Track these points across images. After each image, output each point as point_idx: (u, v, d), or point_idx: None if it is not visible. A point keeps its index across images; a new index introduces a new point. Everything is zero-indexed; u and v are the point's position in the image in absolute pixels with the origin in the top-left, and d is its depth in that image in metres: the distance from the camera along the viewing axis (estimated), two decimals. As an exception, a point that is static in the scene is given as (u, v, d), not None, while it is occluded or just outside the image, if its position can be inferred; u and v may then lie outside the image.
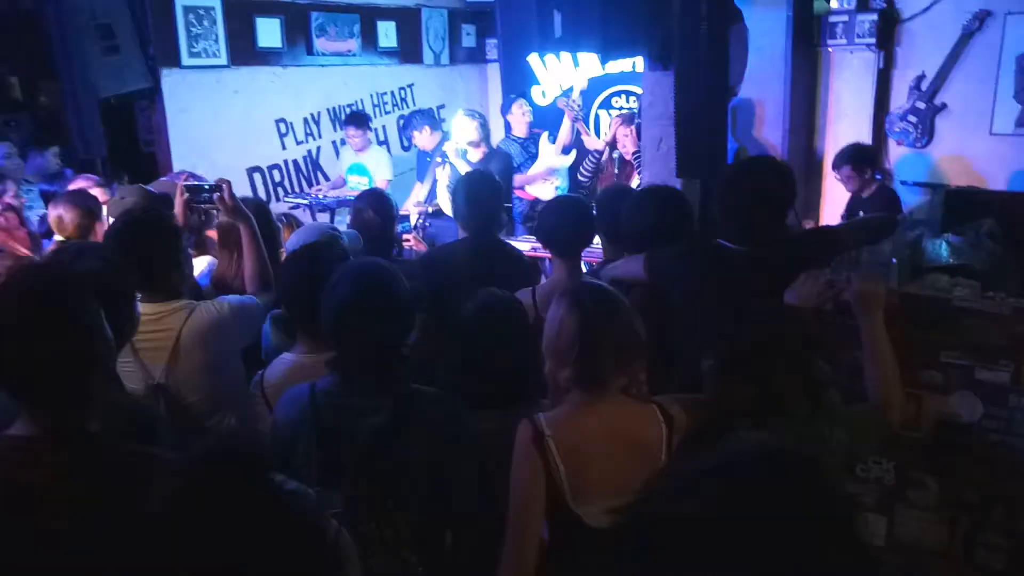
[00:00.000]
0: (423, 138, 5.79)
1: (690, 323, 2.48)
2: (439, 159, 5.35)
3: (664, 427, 1.89)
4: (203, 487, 1.03)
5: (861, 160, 4.80)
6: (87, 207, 3.56)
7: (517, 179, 5.74)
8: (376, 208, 3.28)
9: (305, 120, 6.50)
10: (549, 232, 2.94)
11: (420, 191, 5.53)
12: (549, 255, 3.21)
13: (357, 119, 6.11)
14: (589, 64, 6.41)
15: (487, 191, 3.19)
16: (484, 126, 5.32)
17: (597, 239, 3.21)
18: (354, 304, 1.87)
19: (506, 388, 2.15)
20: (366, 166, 6.03)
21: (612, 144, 5.45)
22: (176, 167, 5.33)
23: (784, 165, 2.64)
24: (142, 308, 2.43)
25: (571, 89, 6.42)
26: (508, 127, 6.11)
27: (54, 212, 3.56)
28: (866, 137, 5.41)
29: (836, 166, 4.92)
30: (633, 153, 5.17)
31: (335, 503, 1.75)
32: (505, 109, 6.12)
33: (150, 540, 1.05)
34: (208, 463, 1.05)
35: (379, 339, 1.88)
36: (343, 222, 4.77)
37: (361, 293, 1.88)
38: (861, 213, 4.72)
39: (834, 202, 5.62)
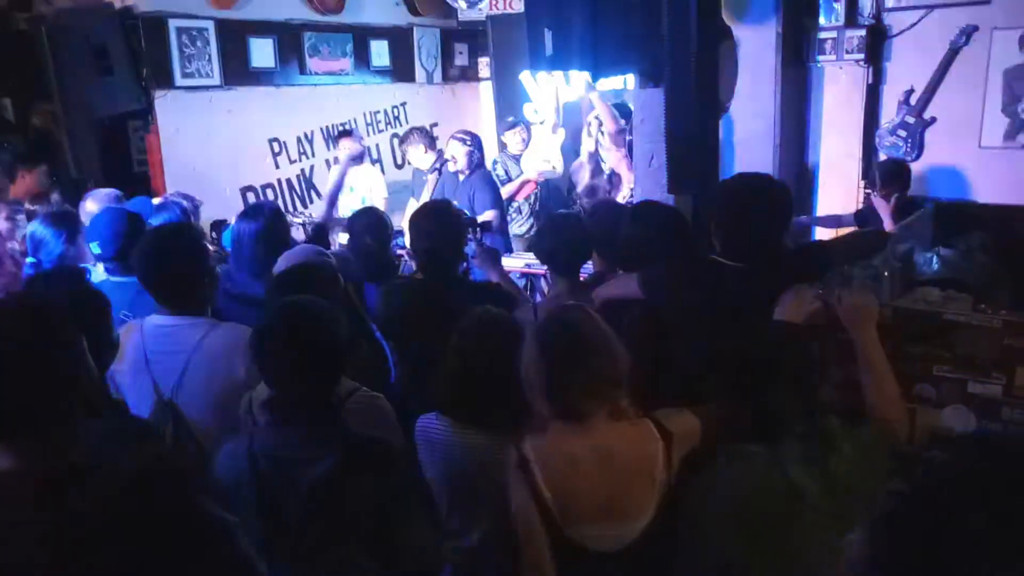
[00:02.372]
0: (416, 155, 5.80)
1: (686, 340, 2.48)
2: (431, 176, 5.36)
3: (661, 443, 1.86)
4: (129, 494, 1.05)
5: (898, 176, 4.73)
6: (68, 227, 3.39)
7: (510, 187, 5.79)
8: (372, 231, 3.27)
9: (298, 139, 6.51)
10: (548, 251, 2.95)
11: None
12: (545, 272, 3.21)
13: (349, 134, 6.17)
14: (580, 81, 6.45)
15: (441, 226, 2.97)
16: (473, 152, 5.30)
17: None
18: (280, 345, 1.82)
19: (504, 407, 2.15)
20: (356, 186, 6.04)
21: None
22: (170, 187, 5.32)
23: (780, 182, 2.66)
24: (158, 319, 2.45)
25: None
26: (503, 144, 6.15)
27: (32, 232, 3.39)
28: (856, 151, 5.44)
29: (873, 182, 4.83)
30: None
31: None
32: (500, 132, 6.18)
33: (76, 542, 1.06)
34: (138, 473, 1.07)
35: (307, 380, 1.83)
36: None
37: (287, 334, 1.83)
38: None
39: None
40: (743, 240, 2.43)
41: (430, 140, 5.94)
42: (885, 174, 4.75)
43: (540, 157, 6.05)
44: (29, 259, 3.37)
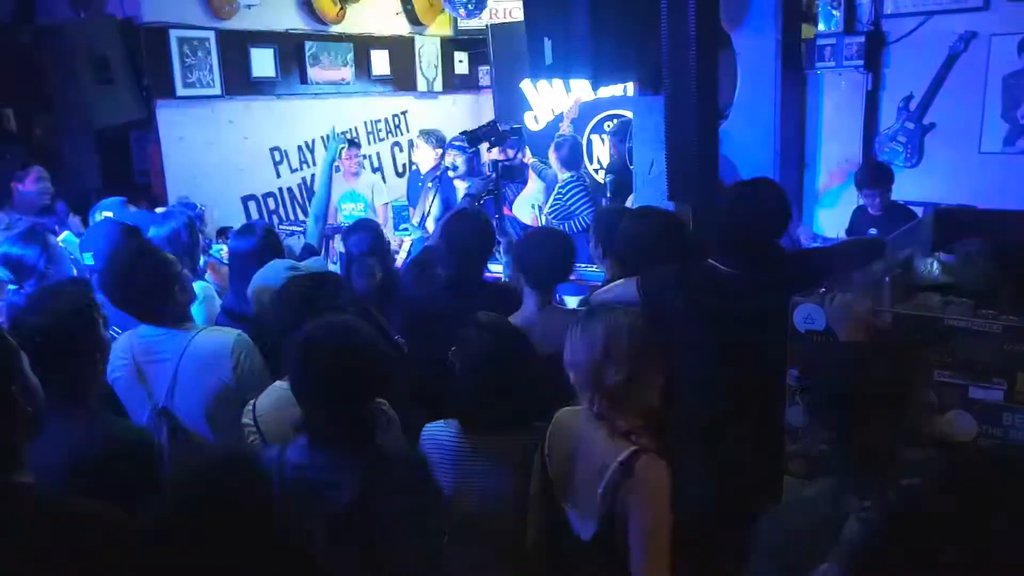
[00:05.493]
0: (421, 154, 5.79)
1: (683, 344, 2.48)
2: (430, 184, 5.36)
3: (619, 472, 1.84)
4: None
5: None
6: (41, 243, 3.16)
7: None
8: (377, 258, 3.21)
9: (300, 148, 6.54)
10: (527, 264, 2.88)
11: (413, 215, 5.55)
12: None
13: (351, 143, 6.20)
14: (581, 89, 6.47)
15: (473, 235, 3.03)
16: (472, 159, 5.29)
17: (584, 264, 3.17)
18: (330, 371, 1.79)
19: (509, 410, 2.15)
20: (360, 193, 6.07)
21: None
22: (171, 197, 5.34)
23: (780, 187, 2.66)
24: (145, 330, 2.46)
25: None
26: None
27: (6, 254, 3.10)
28: (856, 157, 5.45)
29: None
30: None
31: None
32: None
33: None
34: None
35: (353, 405, 1.81)
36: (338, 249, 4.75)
37: (336, 361, 1.80)
38: (873, 231, 4.64)
39: (826, 223, 5.65)
40: (742, 245, 2.44)
41: (437, 141, 5.91)
42: (867, 177, 4.68)
43: (532, 202, 5.92)
44: (11, 286, 3.15)
